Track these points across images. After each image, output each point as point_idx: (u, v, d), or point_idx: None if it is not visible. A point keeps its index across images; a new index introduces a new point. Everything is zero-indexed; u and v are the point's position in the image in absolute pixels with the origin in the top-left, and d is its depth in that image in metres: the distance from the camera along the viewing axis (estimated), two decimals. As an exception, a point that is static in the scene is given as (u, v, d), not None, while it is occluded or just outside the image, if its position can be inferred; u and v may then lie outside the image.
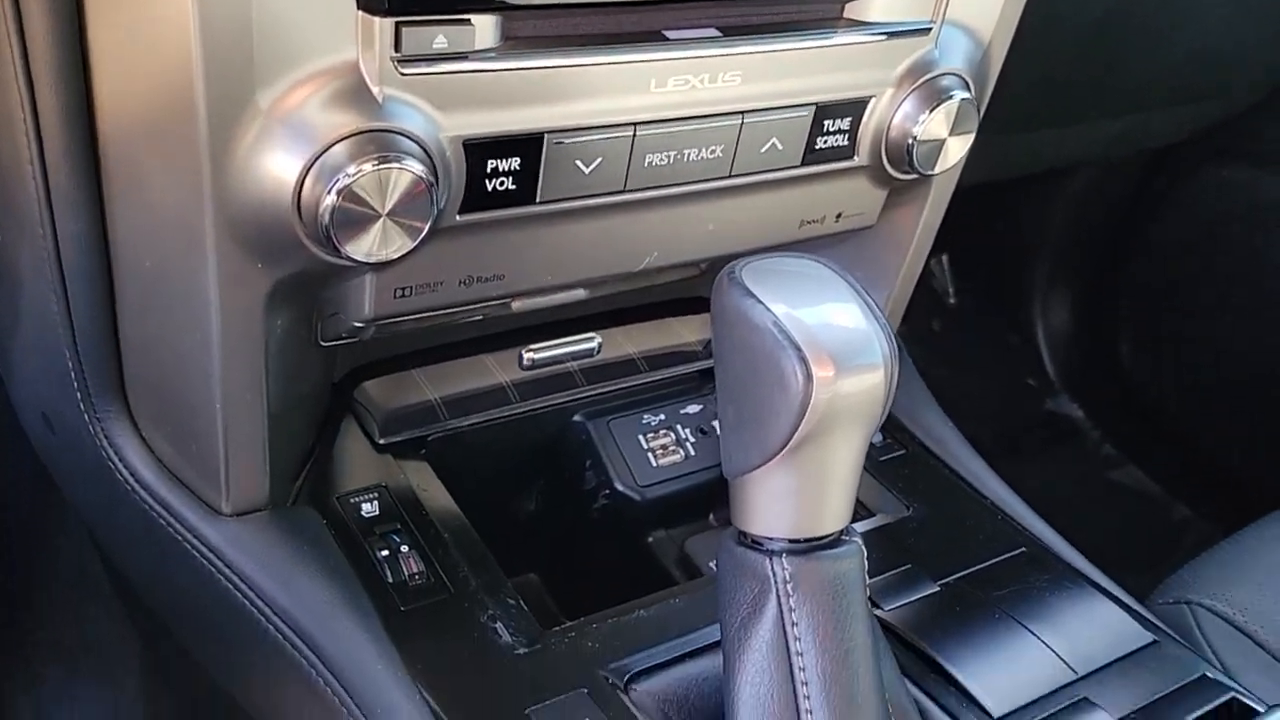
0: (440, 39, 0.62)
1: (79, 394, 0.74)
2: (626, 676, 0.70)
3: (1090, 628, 0.78)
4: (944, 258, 2.20)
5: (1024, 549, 0.85)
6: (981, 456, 1.02)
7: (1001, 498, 0.92)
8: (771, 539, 0.64)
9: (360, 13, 0.60)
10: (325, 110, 0.60)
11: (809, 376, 0.59)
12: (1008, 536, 0.87)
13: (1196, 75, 1.44)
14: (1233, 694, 0.73)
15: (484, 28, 0.63)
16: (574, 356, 0.95)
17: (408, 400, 0.89)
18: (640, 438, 0.97)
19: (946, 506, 0.90)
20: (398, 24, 0.60)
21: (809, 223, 0.87)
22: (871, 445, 0.95)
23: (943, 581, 0.81)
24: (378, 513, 0.79)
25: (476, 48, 0.63)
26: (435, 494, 0.83)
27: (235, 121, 0.59)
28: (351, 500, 0.80)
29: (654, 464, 0.95)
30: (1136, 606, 0.83)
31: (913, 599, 0.79)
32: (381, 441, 0.85)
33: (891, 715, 0.66)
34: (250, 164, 0.61)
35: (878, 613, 0.78)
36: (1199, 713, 0.71)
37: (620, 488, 0.94)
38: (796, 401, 0.59)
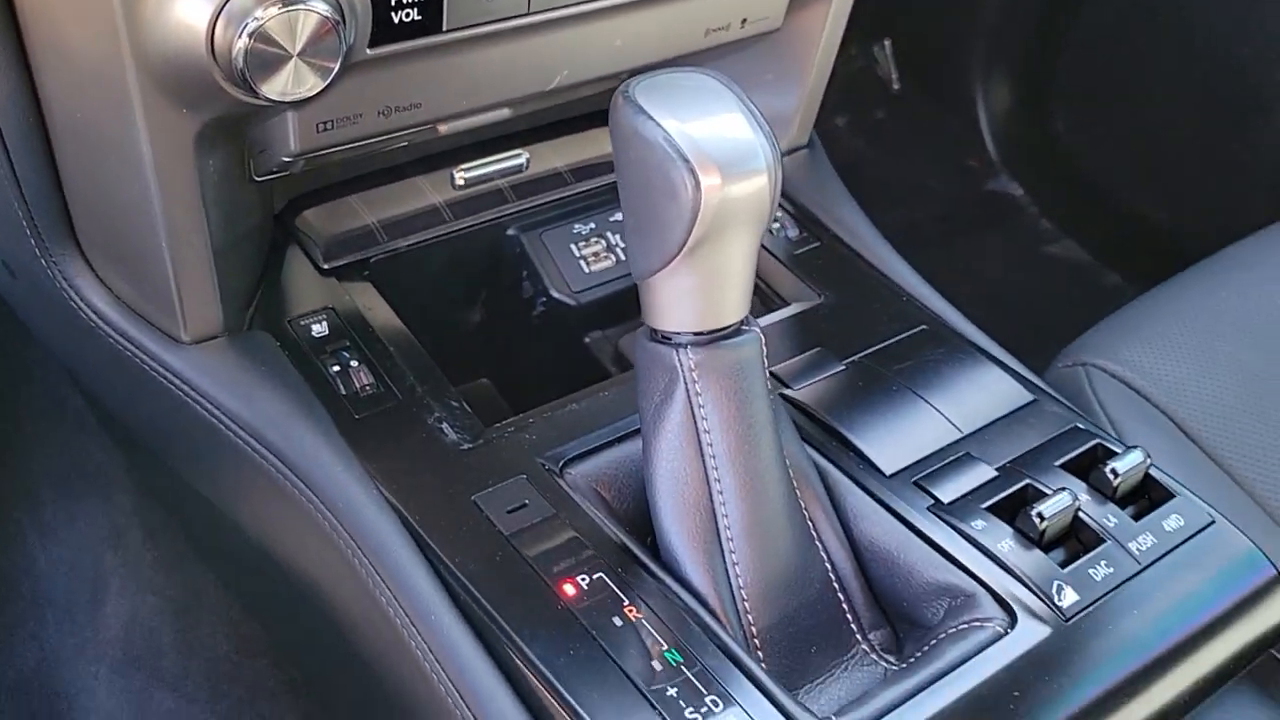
0: (327, -122, 0.65)
1: (33, 242, 0.79)
2: (561, 462, 0.79)
3: (977, 392, 0.86)
4: (887, 44, 2.20)
5: (925, 326, 0.93)
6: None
7: (908, 281, 0.99)
8: (678, 333, 0.71)
9: None
10: (227, -44, 0.63)
11: (697, 186, 0.65)
12: (910, 316, 0.95)
13: None
14: (1098, 440, 0.83)
15: None
16: (503, 174, 1.00)
17: (347, 226, 0.94)
18: (572, 246, 1.03)
19: (856, 293, 0.97)
20: None
21: (714, 30, 0.90)
22: (787, 239, 1.02)
23: (848, 360, 0.89)
24: (327, 332, 0.86)
25: (365, -116, 0.66)
26: (380, 312, 0.89)
27: (141, -27, 0.62)
28: (302, 323, 0.86)
29: (586, 270, 1.02)
30: (1024, 371, 0.92)
31: (820, 378, 0.87)
32: (325, 266, 0.91)
33: (793, 479, 0.76)
34: (162, 14, 0.65)
35: (788, 392, 0.86)
36: (1066, 458, 0.81)
37: (556, 295, 1.01)
38: (688, 209, 0.65)
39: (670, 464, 0.73)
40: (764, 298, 1.00)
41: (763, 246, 1.01)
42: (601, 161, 1.05)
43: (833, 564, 0.77)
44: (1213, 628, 0.74)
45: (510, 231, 1.02)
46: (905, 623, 0.77)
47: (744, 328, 0.73)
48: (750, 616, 0.73)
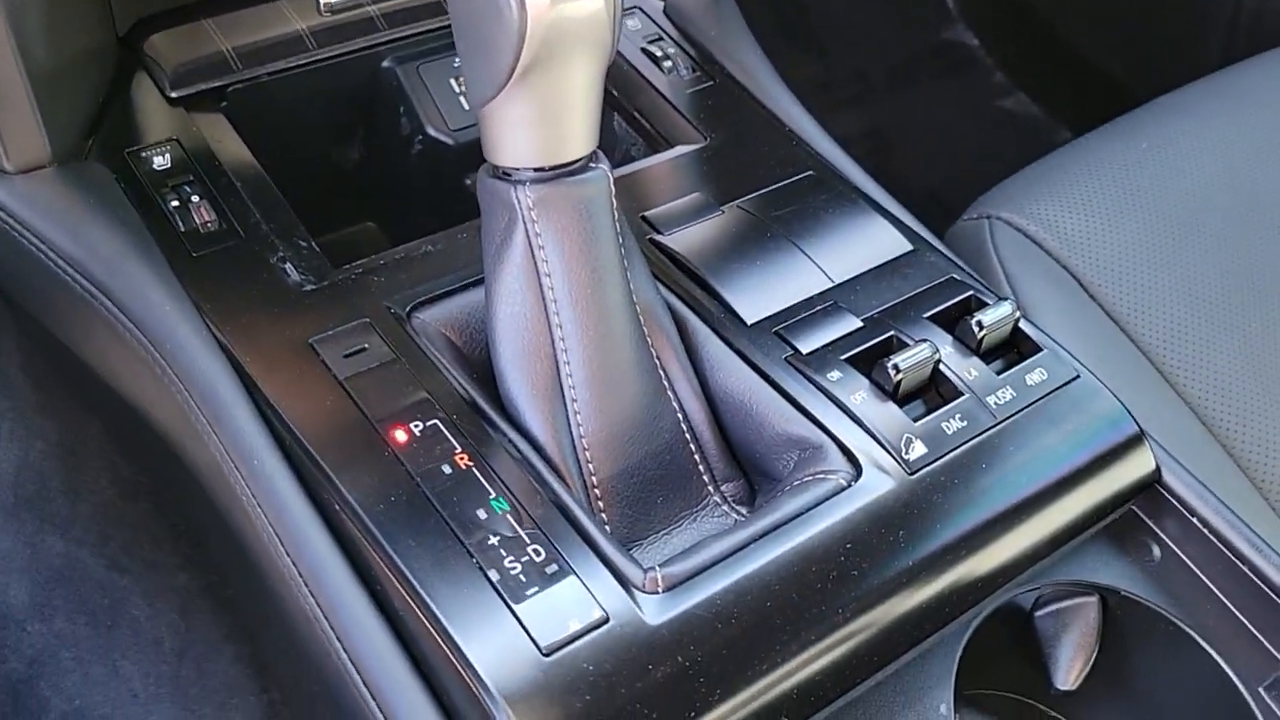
0: None
1: None
2: (408, 306, 0.75)
3: (855, 241, 0.83)
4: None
5: (811, 172, 0.89)
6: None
7: (800, 125, 0.94)
8: (516, 169, 0.67)
9: None
10: None
11: (522, 5, 0.59)
12: (798, 161, 0.90)
13: None
14: (971, 292, 0.80)
15: None
16: None
17: (199, 52, 0.88)
18: (452, 81, 0.97)
19: (745, 135, 0.93)
20: None
21: None
22: (680, 78, 0.96)
23: (727, 205, 0.85)
24: (169, 165, 0.81)
25: None
26: (230, 146, 0.84)
27: None
28: (142, 154, 0.81)
29: (466, 107, 0.96)
30: (911, 222, 0.88)
31: (693, 224, 0.83)
32: (173, 95, 0.85)
33: (646, 326, 0.73)
34: None
35: (657, 238, 0.82)
36: (936, 309, 0.78)
37: (433, 133, 0.95)
38: (513, 31, 0.60)
39: (510, 307, 0.69)
40: (649, 139, 0.95)
41: (651, 85, 0.96)
42: (485, -12, 0.98)
43: (685, 414, 0.74)
44: (1065, 484, 0.72)
45: (385, 64, 0.96)
46: (759, 474, 0.75)
47: (591, 165, 0.68)
48: (591, 466, 0.71)
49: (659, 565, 0.63)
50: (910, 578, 0.66)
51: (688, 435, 0.74)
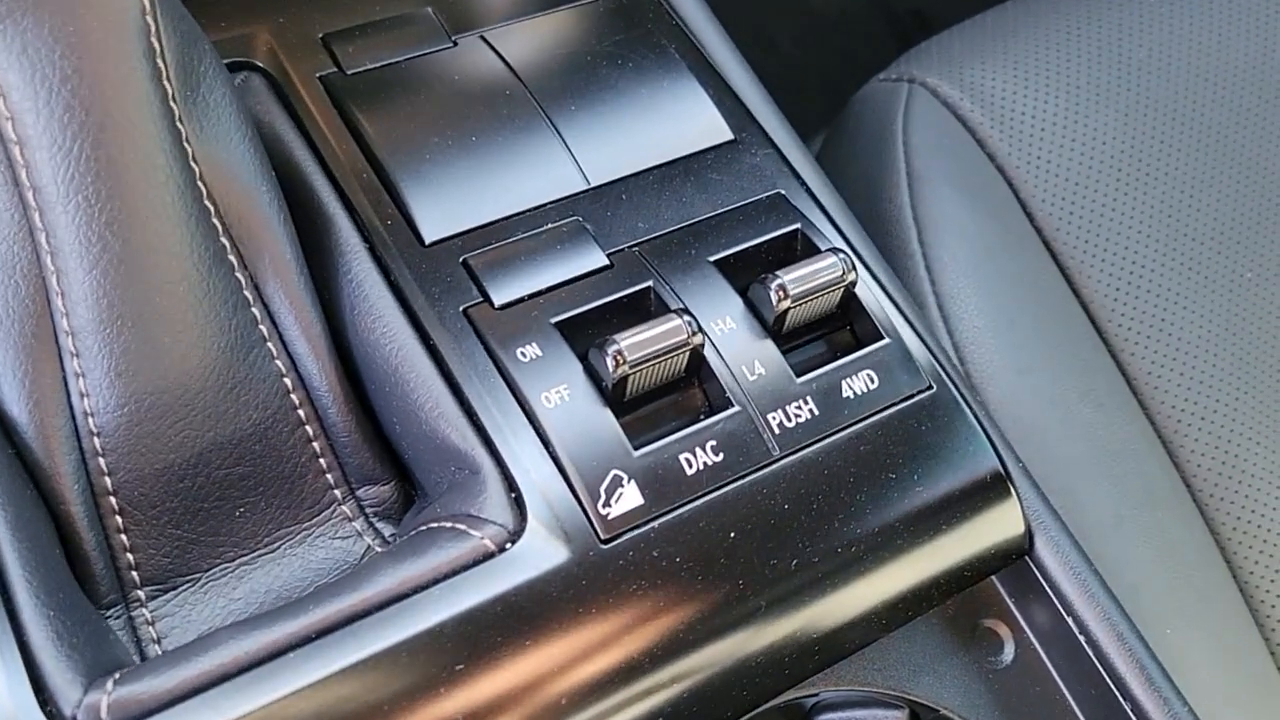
0: None
1: None
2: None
3: (647, 118, 0.53)
4: None
5: (652, 29, 0.57)
6: None
7: None
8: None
9: None
10: None
11: None
12: (659, 19, 0.58)
13: None
14: (798, 225, 0.50)
15: None
16: None
17: None
18: None
19: None
20: None
21: None
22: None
23: (463, 34, 0.55)
24: None
25: None
26: None
27: None
28: None
29: None
30: (759, 102, 0.57)
31: (393, 60, 0.53)
32: None
33: (222, 228, 0.44)
34: None
35: (335, 77, 0.52)
36: (733, 250, 0.49)
37: None
38: None
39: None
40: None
41: None
42: None
43: (300, 377, 0.47)
44: (887, 547, 0.46)
45: None
46: (414, 479, 0.49)
47: None
48: (104, 461, 0.44)
49: (114, 681, 0.37)
50: (577, 701, 0.41)
51: (299, 410, 0.47)
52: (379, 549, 0.48)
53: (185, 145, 0.42)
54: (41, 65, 0.38)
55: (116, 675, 0.37)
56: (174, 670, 0.38)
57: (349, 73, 0.52)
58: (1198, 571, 0.67)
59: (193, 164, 0.42)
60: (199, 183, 0.43)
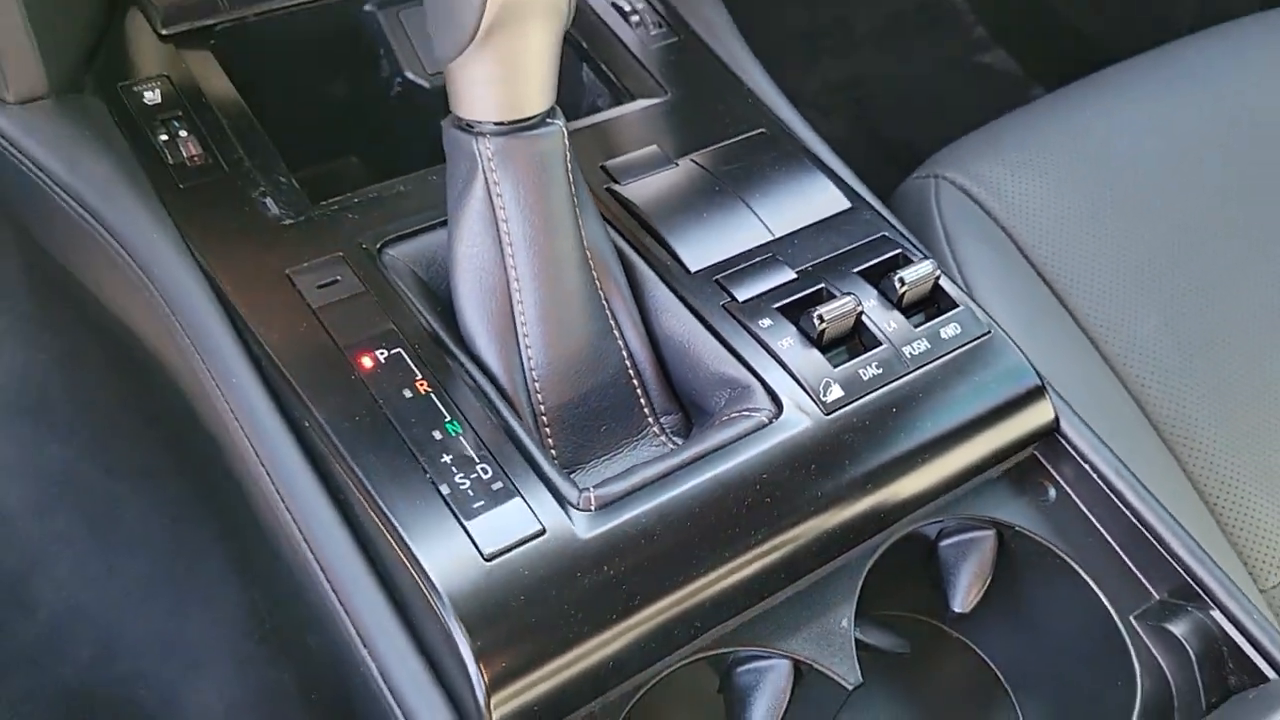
0: None
1: None
2: (379, 243, 0.82)
3: (797, 198, 0.89)
4: None
5: (763, 130, 0.95)
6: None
7: (757, 83, 1.00)
8: (478, 122, 0.73)
9: None
10: None
11: (484, -26, 0.65)
12: (751, 119, 0.96)
13: None
14: (900, 250, 0.86)
15: None
16: None
17: (189, -9, 0.93)
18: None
19: (704, 91, 0.98)
20: None
21: None
22: (645, 32, 1.02)
23: (682, 158, 0.91)
24: (159, 100, 0.87)
25: None
26: (217, 83, 0.90)
27: None
28: (134, 89, 0.87)
29: (440, 55, 1.02)
30: (852, 181, 0.94)
31: (648, 175, 0.89)
32: (164, 32, 0.91)
33: (595, 271, 0.79)
34: None
35: (615, 188, 0.88)
36: (865, 265, 0.84)
37: (410, 75, 1.01)
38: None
39: (469, 248, 0.76)
40: (614, 90, 1.00)
41: (618, 39, 1.02)
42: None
43: (630, 352, 0.81)
44: (969, 428, 0.80)
45: (367, 8, 1.01)
46: (695, 409, 0.83)
47: (548, 120, 0.74)
48: (540, 396, 0.78)
49: (594, 487, 0.71)
50: (820, 507, 0.74)
51: (631, 372, 0.81)
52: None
53: (580, 226, 0.77)
54: (520, 183, 0.74)
55: (590, 487, 0.71)
56: (621, 482, 0.71)
57: (620, 184, 0.89)
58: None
59: (580, 231, 0.78)
60: (584, 246, 0.78)
